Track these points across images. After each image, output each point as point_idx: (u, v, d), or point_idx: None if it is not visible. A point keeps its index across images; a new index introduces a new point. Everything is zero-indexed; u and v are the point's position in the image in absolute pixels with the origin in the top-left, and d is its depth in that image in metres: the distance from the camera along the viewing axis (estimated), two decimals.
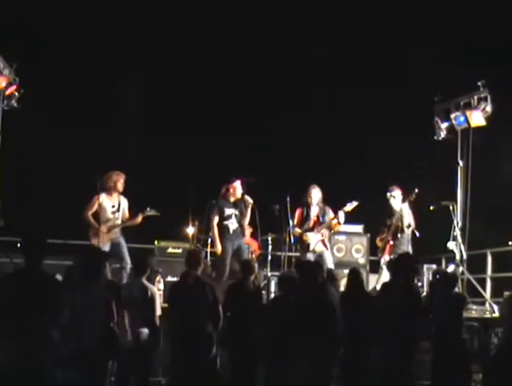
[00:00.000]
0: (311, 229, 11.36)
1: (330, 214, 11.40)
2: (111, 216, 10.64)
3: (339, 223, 11.37)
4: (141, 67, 16.67)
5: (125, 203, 10.86)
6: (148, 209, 10.75)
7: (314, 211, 11.46)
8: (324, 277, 8.56)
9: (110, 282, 7.58)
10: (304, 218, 11.46)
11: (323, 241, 11.38)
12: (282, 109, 16.44)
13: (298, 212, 11.47)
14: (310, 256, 11.09)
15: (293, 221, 11.37)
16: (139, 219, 10.74)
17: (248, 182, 11.29)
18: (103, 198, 10.63)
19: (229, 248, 11.02)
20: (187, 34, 16.52)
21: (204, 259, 10.33)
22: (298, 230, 11.34)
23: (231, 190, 11.15)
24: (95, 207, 10.59)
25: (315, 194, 11.47)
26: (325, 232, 11.41)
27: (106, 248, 10.48)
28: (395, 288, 8.14)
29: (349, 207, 11.27)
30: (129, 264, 10.28)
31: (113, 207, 10.68)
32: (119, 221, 10.70)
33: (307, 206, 11.48)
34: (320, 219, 11.38)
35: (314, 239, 11.33)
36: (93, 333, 6.20)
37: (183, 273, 8.18)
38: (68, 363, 6.07)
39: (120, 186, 10.76)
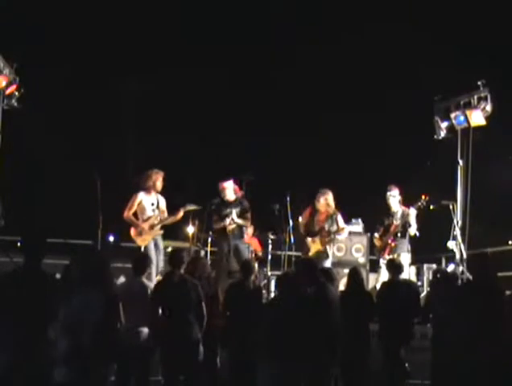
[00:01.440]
0: (315, 234, 11.20)
1: (340, 223, 11.19)
2: (151, 214, 10.65)
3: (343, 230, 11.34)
4: (141, 67, 16.68)
5: (162, 201, 10.84)
6: (188, 204, 10.75)
7: (319, 217, 11.24)
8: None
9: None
10: (311, 220, 11.27)
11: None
12: (281, 109, 16.44)
13: (307, 212, 11.29)
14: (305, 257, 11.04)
15: (302, 218, 11.32)
16: (180, 214, 10.76)
17: (244, 179, 11.27)
18: (142, 196, 10.67)
19: (225, 247, 11.01)
20: (186, 34, 16.52)
21: (204, 258, 10.33)
22: (302, 232, 11.22)
23: (220, 191, 11.09)
24: (135, 207, 10.62)
25: (321, 201, 11.19)
26: (328, 241, 11.21)
27: (151, 245, 10.52)
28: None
29: (353, 226, 11.27)
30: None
31: (153, 204, 10.70)
32: (159, 219, 10.69)
33: (314, 210, 11.26)
34: (326, 227, 11.15)
35: (313, 246, 11.25)
36: (92, 333, 6.17)
37: (167, 273, 8.16)
38: (67, 363, 6.06)
39: (159, 184, 10.76)
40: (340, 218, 11.22)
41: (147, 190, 10.69)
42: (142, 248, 10.56)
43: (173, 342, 7.71)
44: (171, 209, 10.83)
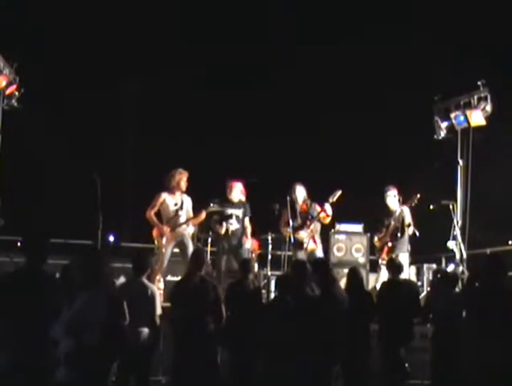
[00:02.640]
0: (302, 226, 11.35)
1: (317, 208, 11.41)
2: (173, 214, 10.60)
3: (327, 215, 11.37)
4: (141, 67, 16.68)
5: (188, 201, 10.78)
6: (212, 205, 10.72)
7: (301, 208, 11.47)
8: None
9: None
10: (291, 216, 11.36)
11: (313, 238, 11.38)
12: (282, 109, 16.44)
13: (285, 214, 11.36)
14: (302, 255, 11.07)
15: (281, 222, 11.36)
16: (203, 215, 10.70)
17: (248, 182, 11.28)
18: (165, 196, 10.62)
19: (225, 247, 11.01)
20: (186, 34, 16.52)
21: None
22: (288, 230, 11.28)
23: (227, 188, 11.09)
24: (157, 206, 10.59)
25: (300, 191, 11.48)
26: (315, 226, 11.42)
27: (170, 247, 10.50)
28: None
29: (333, 197, 11.27)
30: None
31: (176, 205, 10.63)
32: (182, 219, 10.63)
33: (293, 204, 11.43)
34: (309, 215, 11.38)
35: (306, 236, 11.33)
36: (94, 333, 6.18)
37: (188, 273, 8.19)
38: (69, 363, 6.06)
39: (183, 184, 10.70)
40: (317, 205, 11.44)
41: (171, 190, 10.64)
42: (163, 250, 10.56)
43: (189, 342, 7.76)
44: (195, 210, 10.79)
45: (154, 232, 10.62)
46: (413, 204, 11.21)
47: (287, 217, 11.23)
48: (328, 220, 11.51)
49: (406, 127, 14.75)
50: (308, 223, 11.33)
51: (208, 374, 7.93)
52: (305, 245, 11.28)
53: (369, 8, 15.94)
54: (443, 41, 14.98)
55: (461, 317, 8.23)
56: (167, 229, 10.51)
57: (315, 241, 11.39)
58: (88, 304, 6.16)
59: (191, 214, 10.72)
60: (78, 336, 6.05)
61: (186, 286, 8.02)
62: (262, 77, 16.28)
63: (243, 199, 11.20)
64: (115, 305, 6.38)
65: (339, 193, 11.25)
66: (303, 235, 11.30)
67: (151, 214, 10.58)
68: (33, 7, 14.93)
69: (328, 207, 11.31)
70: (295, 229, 11.28)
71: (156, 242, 10.67)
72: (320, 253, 11.36)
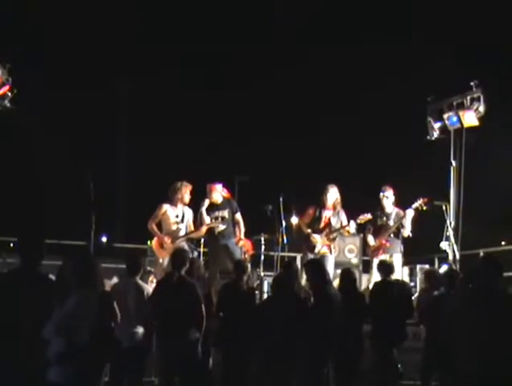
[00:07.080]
0: (321, 231, 11.24)
1: (343, 219, 11.20)
2: (174, 227, 10.56)
3: (348, 231, 11.32)
4: (136, 67, 16.69)
5: (189, 213, 10.72)
6: (213, 220, 10.72)
7: (327, 213, 11.23)
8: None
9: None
10: (315, 218, 11.24)
11: (328, 246, 11.24)
12: (278, 109, 16.48)
13: (310, 211, 11.26)
14: (312, 257, 10.99)
15: (302, 218, 11.28)
16: (203, 229, 10.69)
17: (238, 180, 11.26)
18: (167, 207, 10.56)
19: (216, 249, 10.99)
20: (184, 33, 16.54)
21: (198, 259, 10.33)
22: (307, 230, 11.19)
23: (208, 193, 11.04)
24: (159, 218, 10.55)
25: (331, 195, 11.20)
26: (333, 237, 11.25)
27: (168, 257, 10.43)
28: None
29: (362, 218, 11.15)
30: None
31: (177, 217, 10.56)
32: (183, 232, 10.60)
33: (321, 206, 11.25)
34: (332, 222, 11.20)
35: (320, 242, 11.24)
36: (88, 334, 6.18)
37: (167, 273, 8.19)
38: (62, 363, 6.06)
39: (187, 197, 10.65)
40: (343, 215, 11.25)
41: (174, 202, 10.61)
42: (161, 260, 10.51)
43: (170, 342, 7.74)
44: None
45: (155, 244, 10.61)
46: (420, 208, 11.16)
47: (310, 218, 11.18)
48: (348, 233, 11.47)
49: (399, 128, 14.79)
50: (327, 231, 11.23)
51: (190, 373, 7.92)
52: (317, 249, 11.17)
53: (366, 9, 15.99)
54: (437, 42, 15.03)
55: (454, 317, 8.26)
56: (168, 240, 10.50)
57: (329, 249, 11.25)
58: (80, 304, 6.17)
59: (191, 226, 10.71)
60: (69, 336, 6.06)
61: (164, 286, 8.01)
62: (258, 78, 16.31)
63: (226, 198, 11.13)
64: (105, 304, 6.39)
65: (368, 217, 11.14)
66: (317, 238, 11.18)
67: (153, 225, 10.55)
68: (27, 8, 14.93)
69: (353, 225, 11.22)
70: (313, 232, 11.22)
71: (156, 253, 10.65)
72: (331, 258, 11.23)
